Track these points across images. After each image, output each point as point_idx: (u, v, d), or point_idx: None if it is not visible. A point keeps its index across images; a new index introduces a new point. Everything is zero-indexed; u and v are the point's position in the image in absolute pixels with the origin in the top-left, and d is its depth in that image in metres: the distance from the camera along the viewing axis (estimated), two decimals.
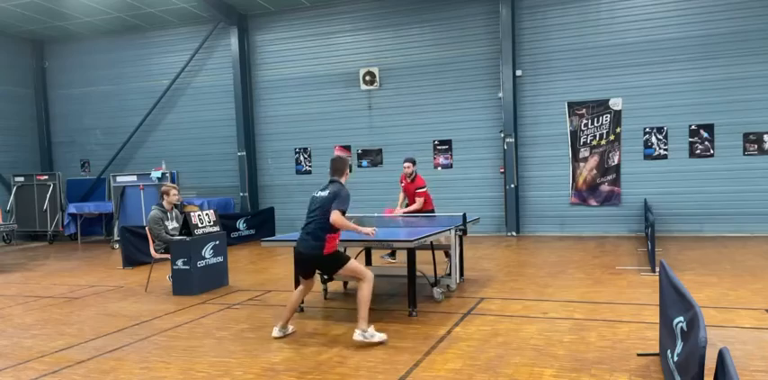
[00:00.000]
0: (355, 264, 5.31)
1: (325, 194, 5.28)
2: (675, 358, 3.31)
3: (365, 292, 5.10)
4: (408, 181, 9.07)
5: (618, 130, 12.58)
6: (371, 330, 5.04)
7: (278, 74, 15.07)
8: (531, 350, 4.75)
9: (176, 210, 8.50)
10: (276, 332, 5.37)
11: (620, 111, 12.54)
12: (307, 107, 14.80)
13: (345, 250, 7.74)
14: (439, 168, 13.82)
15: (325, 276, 7.11)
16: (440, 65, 13.68)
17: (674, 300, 3.62)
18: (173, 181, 12.83)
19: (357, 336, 4.99)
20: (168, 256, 7.75)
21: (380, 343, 5.00)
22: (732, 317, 5.60)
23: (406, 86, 13.96)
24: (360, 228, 5.38)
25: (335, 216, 5.03)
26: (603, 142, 12.70)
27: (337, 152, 14.56)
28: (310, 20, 14.66)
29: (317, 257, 5.18)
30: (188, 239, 7.61)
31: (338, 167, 5.50)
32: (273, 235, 13.43)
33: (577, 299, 6.58)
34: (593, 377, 4.12)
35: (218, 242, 8.02)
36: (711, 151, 12.04)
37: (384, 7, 14.07)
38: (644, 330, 5.23)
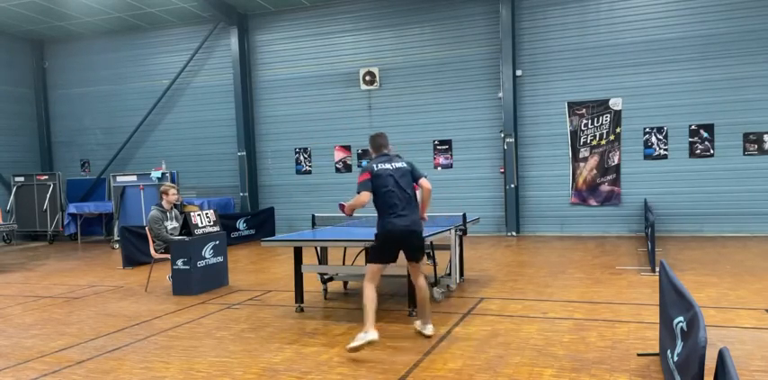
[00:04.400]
0: None
1: (400, 164, 5.18)
2: (675, 358, 3.31)
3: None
4: None
5: (618, 130, 12.58)
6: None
7: (278, 74, 15.07)
8: (531, 350, 4.75)
9: (176, 210, 8.50)
10: (373, 335, 4.72)
11: (620, 111, 12.54)
12: (307, 107, 14.80)
13: (345, 250, 7.79)
14: (439, 168, 13.82)
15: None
16: (440, 65, 13.68)
17: (673, 300, 3.61)
18: (173, 181, 12.82)
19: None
20: (168, 256, 7.74)
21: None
22: (732, 317, 5.60)
23: (406, 86, 13.96)
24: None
25: (429, 184, 5.20)
26: (603, 142, 12.70)
27: (337, 151, 14.58)
28: (310, 20, 14.66)
29: (421, 233, 5.22)
30: (188, 239, 7.61)
31: (384, 142, 5.37)
32: (273, 235, 13.43)
33: (577, 299, 6.58)
34: (593, 377, 4.12)
35: (218, 242, 8.02)
36: (711, 151, 12.04)
37: (384, 7, 14.07)
38: (644, 330, 5.22)
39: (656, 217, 10.63)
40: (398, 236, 5.03)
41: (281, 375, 4.41)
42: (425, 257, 5.46)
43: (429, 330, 5.20)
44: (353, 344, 4.69)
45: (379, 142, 5.32)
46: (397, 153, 5.35)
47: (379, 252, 5.14)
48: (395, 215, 5.02)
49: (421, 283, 5.21)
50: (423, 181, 5.15)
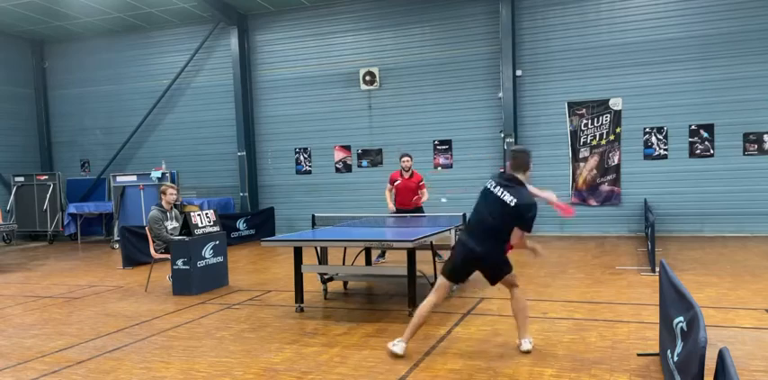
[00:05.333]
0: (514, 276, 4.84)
1: (507, 199, 4.48)
2: (675, 358, 3.31)
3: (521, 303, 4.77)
4: (407, 177, 9.18)
5: (618, 130, 12.57)
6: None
7: (278, 74, 15.07)
8: (531, 350, 4.74)
9: (176, 210, 8.50)
10: (400, 348, 4.69)
11: (620, 111, 12.54)
12: (307, 107, 14.80)
13: (345, 250, 7.79)
14: (439, 168, 13.82)
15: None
16: (440, 65, 13.68)
17: (673, 300, 3.61)
18: (172, 181, 12.82)
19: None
20: (168, 256, 7.74)
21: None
22: (732, 317, 5.60)
23: (406, 86, 13.96)
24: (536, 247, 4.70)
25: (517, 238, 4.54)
26: (603, 142, 12.69)
27: (337, 151, 14.59)
28: (310, 20, 14.66)
29: (492, 259, 4.67)
30: (188, 239, 7.60)
31: (522, 160, 4.64)
32: (273, 235, 13.42)
33: (577, 299, 6.58)
34: (593, 377, 4.11)
35: (218, 242, 8.02)
36: (711, 151, 12.04)
37: (384, 7, 14.07)
38: (644, 330, 5.22)
39: (656, 217, 10.63)
40: (461, 254, 4.73)
41: (281, 375, 4.41)
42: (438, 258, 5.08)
43: (525, 345, 4.70)
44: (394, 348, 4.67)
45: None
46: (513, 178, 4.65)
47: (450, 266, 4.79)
48: (464, 233, 4.80)
49: (513, 294, 4.79)
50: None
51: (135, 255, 10.18)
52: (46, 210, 15.17)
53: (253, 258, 10.94)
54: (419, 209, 9.35)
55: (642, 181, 12.45)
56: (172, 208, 8.36)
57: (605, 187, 12.72)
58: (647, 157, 12.45)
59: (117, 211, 13.51)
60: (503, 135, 13.10)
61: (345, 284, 7.61)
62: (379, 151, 14.30)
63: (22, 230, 15.10)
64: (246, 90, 15.15)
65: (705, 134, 12.05)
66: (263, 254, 11.38)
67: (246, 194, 15.14)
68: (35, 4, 14.00)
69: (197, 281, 7.58)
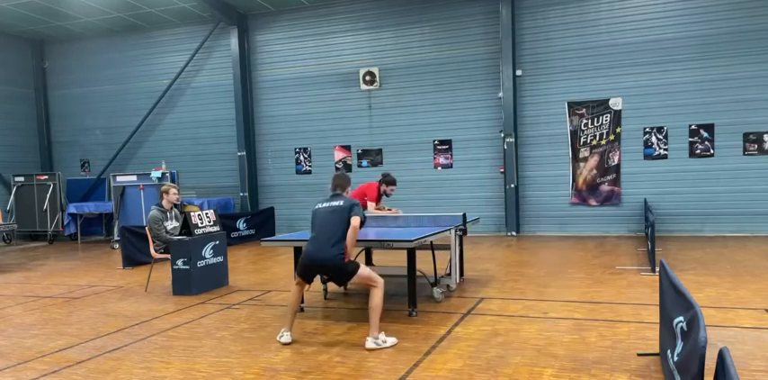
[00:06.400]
0: (366, 270, 5.24)
1: (338, 203, 5.32)
2: (675, 358, 3.31)
3: (376, 299, 5.08)
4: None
5: (618, 130, 12.58)
6: (383, 335, 5.03)
7: (278, 74, 15.08)
8: (531, 350, 4.75)
9: (176, 210, 8.50)
10: (287, 337, 5.20)
11: (620, 111, 12.54)
12: (307, 107, 14.80)
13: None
14: (439, 168, 13.82)
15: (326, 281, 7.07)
16: (440, 65, 13.69)
17: (674, 300, 3.61)
18: (173, 181, 12.83)
19: (369, 343, 4.95)
20: (168, 256, 7.74)
21: (393, 346, 4.98)
22: (732, 317, 5.60)
23: (406, 86, 13.96)
24: (382, 212, 5.08)
25: (356, 223, 5.13)
26: (603, 142, 12.70)
27: (337, 151, 14.59)
28: (310, 20, 14.67)
29: (336, 266, 5.13)
30: (188, 239, 7.60)
31: (341, 182, 5.62)
32: (273, 235, 13.43)
33: (577, 299, 6.58)
34: (593, 377, 4.12)
35: (218, 242, 8.02)
36: (711, 151, 12.04)
37: (384, 7, 14.07)
38: (644, 330, 5.23)
39: (656, 217, 10.64)
40: (307, 260, 5.26)
41: (281, 375, 4.41)
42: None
43: (369, 342, 4.98)
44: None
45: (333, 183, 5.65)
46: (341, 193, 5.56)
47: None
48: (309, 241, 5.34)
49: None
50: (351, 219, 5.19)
51: (135, 255, 10.18)
52: (46, 210, 15.17)
53: (253, 258, 10.94)
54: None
55: (642, 181, 12.46)
56: (172, 208, 8.36)
57: (605, 187, 12.73)
58: (647, 157, 12.45)
59: (117, 211, 13.51)
60: (503, 135, 13.10)
61: None
62: (379, 151, 14.30)
63: (22, 230, 15.11)
64: (246, 90, 15.15)
65: (705, 134, 12.06)
66: (263, 254, 11.38)
67: (246, 193, 15.15)
68: (35, 4, 14.01)
69: (197, 281, 7.58)
